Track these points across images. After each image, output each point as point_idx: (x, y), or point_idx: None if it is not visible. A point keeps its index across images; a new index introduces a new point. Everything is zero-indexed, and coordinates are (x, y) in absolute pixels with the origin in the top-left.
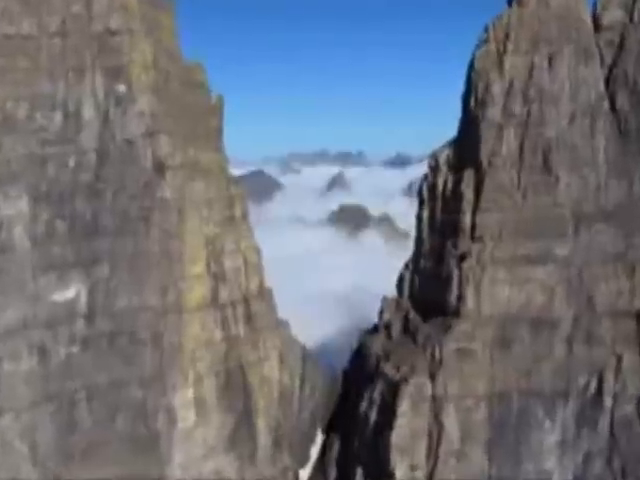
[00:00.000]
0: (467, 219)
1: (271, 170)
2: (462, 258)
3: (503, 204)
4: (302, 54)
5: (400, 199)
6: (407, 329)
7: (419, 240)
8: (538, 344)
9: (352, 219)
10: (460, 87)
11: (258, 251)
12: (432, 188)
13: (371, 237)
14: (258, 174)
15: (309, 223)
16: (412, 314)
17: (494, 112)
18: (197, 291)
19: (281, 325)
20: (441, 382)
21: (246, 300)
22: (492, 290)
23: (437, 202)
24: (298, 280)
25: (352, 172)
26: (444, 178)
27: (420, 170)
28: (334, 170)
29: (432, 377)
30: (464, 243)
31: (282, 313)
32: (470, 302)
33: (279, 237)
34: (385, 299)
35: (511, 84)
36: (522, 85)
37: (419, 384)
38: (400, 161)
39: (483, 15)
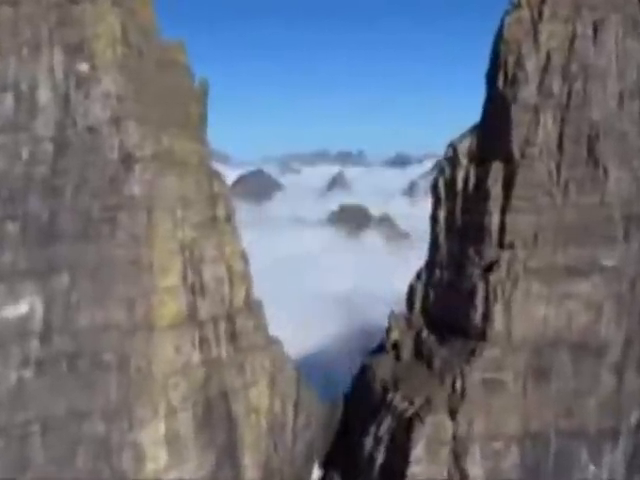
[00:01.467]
0: (494, 221)
1: (271, 170)
2: (488, 268)
3: (539, 203)
4: (301, 54)
5: (400, 199)
6: (420, 352)
7: (434, 245)
8: (581, 374)
9: (352, 219)
10: (459, 88)
11: (245, 258)
12: (450, 184)
13: (371, 237)
14: (258, 174)
15: (309, 223)
16: (426, 333)
17: (528, 92)
18: (170, 306)
19: (272, 343)
20: (464, 420)
21: (230, 316)
22: (525, 308)
23: (456, 200)
24: (298, 281)
25: (352, 172)
26: (465, 172)
27: (420, 170)
28: (334, 170)
29: (452, 413)
30: (490, 250)
31: (281, 316)
32: (498, 322)
33: (278, 237)
34: (393, 315)
35: (548, 58)
36: (561, 59)
37: (437, 422)
38: (400, 161)
39: (482, 16)
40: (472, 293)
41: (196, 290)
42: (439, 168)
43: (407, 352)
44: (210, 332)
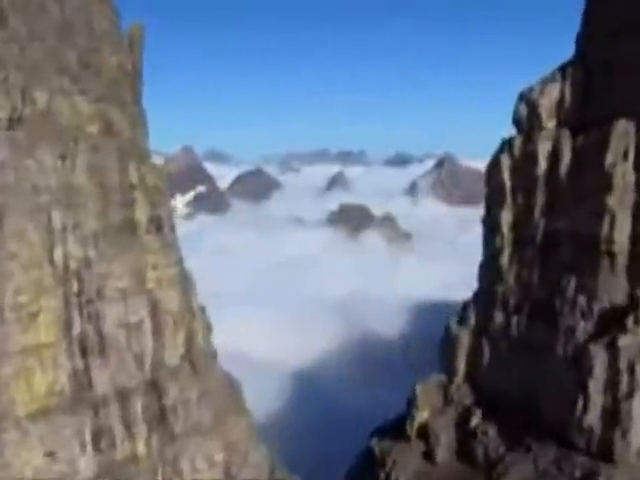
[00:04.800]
0: (621, 231)
1: (270, 169)
2: (611, 323)
3: None
4: (302, 54)
5: (401, 199)
6: (468, 450)
7: (489, 269)
8: None
9: (353, 219)
10: (458, 88)
11: (187, 285)
12: (523, 166)
13: (372, 238)
14: (256, 173)
15: (308, 223)
16: (478, 420)
17: None
18: (39, 380)
19: (229, 416)
20: None
21: (154, 384)
22: None
23: (535, 195)
24: (295, 285)
25: (353, 171)
26: (554, 143)
27: (421, 169)
28: (334, 169)
29: None
30: (613, 285)
31: (277, 322)
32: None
33: (277, 238)
34: (421, 385)
35: None
36: None
37: None
38: (401, 160)
39: (482, 16)
40: (576, 364)
41: (89, 348)
42: (500, 144)
43: (444, 449)
44: (114, 417)
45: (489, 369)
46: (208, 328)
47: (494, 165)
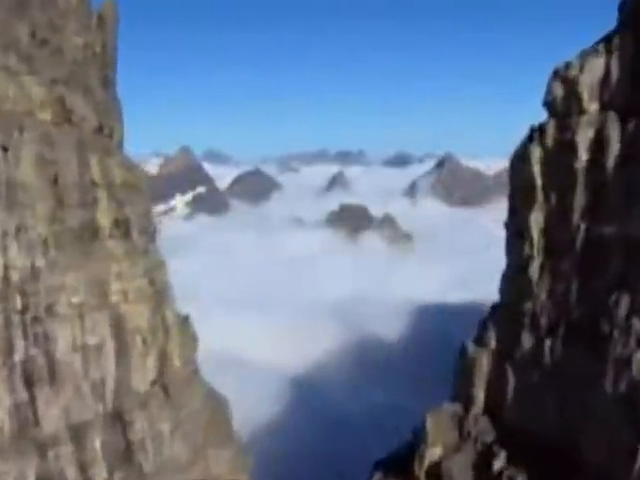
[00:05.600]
0: None
1: (270, 170)
2: None
3: None
4: (301, 54)
5: (401, 199)
6: None
7: (516, 283)
8: None
9: (352, 219)
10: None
11: (160, 301)
12: (557, 159)
13: (372, 238)
14: (255, 173)
15: (307, 224)
16: (501, 461)
17: None
18: None
19: (209, 448)
20: None
21: (117, 415)
22: None
23: (573, 193)
24: (294, 287)
25: (352, 171)
26: (592, 132)
27: (421, 169)
28: (334, 169)
29: None
30: None
31: (276, 325)
32: None
33: (276, 239)
34: (432, 416)
35: None
36: None
37: None
38: (400, 160)
39: (480, 15)
40: (630, 402)
41: (35, 377)
42: (529, 131)
43: None
44: (66, 458)
45: (514, 400)
46: (192, 340)
47: (521, 157)
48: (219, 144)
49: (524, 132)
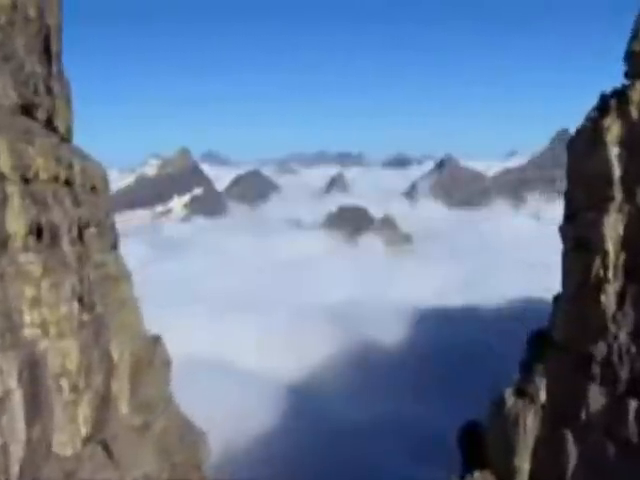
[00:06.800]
0: None
1: (268, 171)
2: None
3: None
4: (301, 54)
5: (401, 200)
6: None
7: (578, 315)
8: None
9: (352, 221)
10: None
11: (99, 329)
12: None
13: (371, 240)
14: (254, 174)
15: (306, 226)
16: None
17: None
18: None
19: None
20: None
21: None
22: None
23: None
24: (293, 290)
25: (351, 173)
26: None
27: (420, 171)
28: (333, 171)
29: None
30: None
31: (276, 327)
32: None
33: (274, 241)
34: None
35: None
36: None
37: None
38: (400, 161)
39: (479, 15)
40: None
41: None
42: (599, 99)
43: None
44: None
45: (578, 476)
46: (164, 366)
47: (588, 136)
48: (218, 145)
49: (524, 132)
